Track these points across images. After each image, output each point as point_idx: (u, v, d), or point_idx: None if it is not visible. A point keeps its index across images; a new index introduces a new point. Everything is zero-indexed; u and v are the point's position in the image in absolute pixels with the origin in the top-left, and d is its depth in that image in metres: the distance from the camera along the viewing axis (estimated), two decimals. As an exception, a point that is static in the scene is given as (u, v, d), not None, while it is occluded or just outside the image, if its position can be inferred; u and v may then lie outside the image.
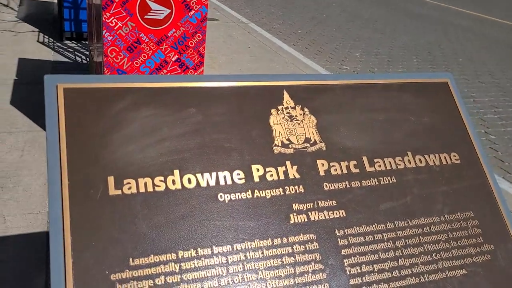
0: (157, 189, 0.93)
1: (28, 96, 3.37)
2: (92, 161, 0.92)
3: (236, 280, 0.89)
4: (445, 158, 1.16)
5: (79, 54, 4.38)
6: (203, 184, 0.97)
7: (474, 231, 1.09)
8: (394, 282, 0.97)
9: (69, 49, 4.47)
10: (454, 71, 6.30)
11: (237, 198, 0.97)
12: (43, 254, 2.02)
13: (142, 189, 0.92)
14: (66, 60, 4.23)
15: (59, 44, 4.56)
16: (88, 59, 4.10)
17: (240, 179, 0.99)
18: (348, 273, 0.95)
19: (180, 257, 0.88)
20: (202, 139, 1.01)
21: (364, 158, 1.10)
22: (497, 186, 1.16)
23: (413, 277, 0.99)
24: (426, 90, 1.24)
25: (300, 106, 1.12)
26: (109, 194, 0.90)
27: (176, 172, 0.96)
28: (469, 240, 1.07)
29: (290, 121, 1.09)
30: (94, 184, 0.90)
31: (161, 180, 0.94)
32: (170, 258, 0.88)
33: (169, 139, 0.98)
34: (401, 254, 1.01)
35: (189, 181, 0.96)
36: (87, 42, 4.57)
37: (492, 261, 1.06)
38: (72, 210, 0.86)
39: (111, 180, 0.91)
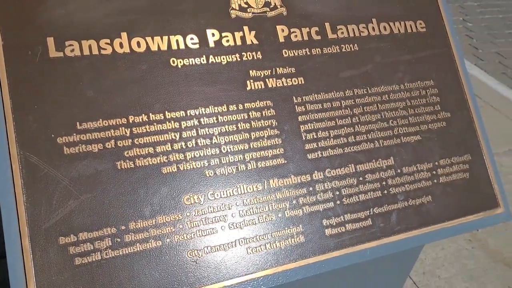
0: (103, 52, 0.87)
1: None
2: (29, 21, 0.84)
3: (190, 144, 0.88)
4: (410, 26, 1.11)
5: None
6: (154, 48, 0.91)
7: (433, 99, 1.08)
8: (349, 147, 0.98)
9: None
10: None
11: (190, 63, 0.92)
12: None
13: (86, 52, 0.86)
14: None
15: None
16: None
17: (194, 43, 0.94)
18: (303, 138, 0.95)
19: (131, 121, 0.86)
20: (152, 0, 0.93)
21: (327, 25, 1.04)
22: (461, 55, 1.13)
23: (368, 143, 1.00)
24: (397, -48, 1.15)
25: (259, -34, 1.02)
26: (50, 57, 0.84)
27: (124, 34, 0.89)
28: (426, 108, 1.07)
29: (249, -18, 1.00)
30: (31, 46, 0.83)
31: (107, 43, 0.88)
32: (120, 123, 0.85)
33: (114, -2, 0.90)
34: (358, 120, 1.00)
35: (138, 44, 0.90)
36: None
37: (446, 127, 1.07)
38: (9, 72, 0.80)
39: (50, 41, 0.84)
